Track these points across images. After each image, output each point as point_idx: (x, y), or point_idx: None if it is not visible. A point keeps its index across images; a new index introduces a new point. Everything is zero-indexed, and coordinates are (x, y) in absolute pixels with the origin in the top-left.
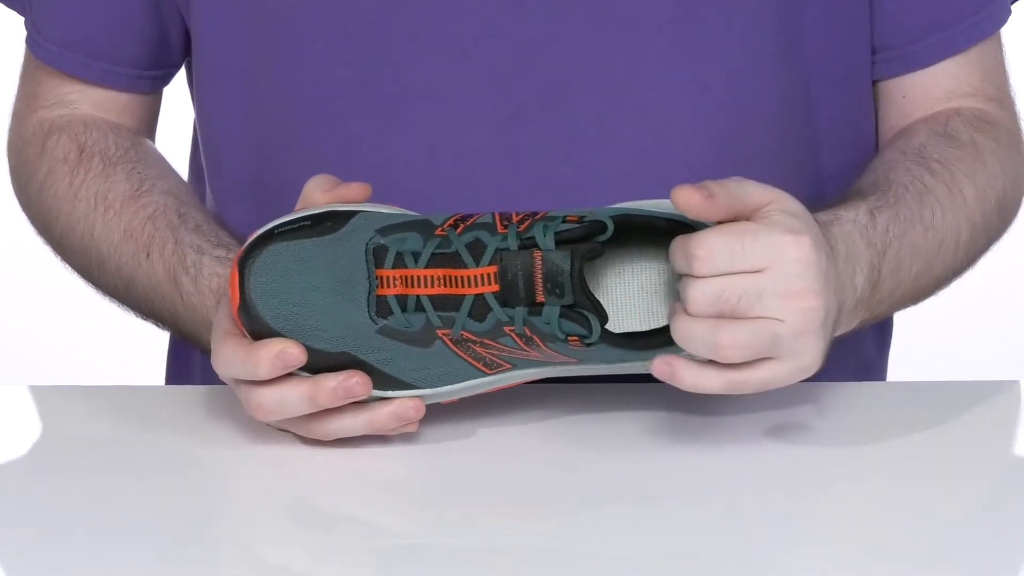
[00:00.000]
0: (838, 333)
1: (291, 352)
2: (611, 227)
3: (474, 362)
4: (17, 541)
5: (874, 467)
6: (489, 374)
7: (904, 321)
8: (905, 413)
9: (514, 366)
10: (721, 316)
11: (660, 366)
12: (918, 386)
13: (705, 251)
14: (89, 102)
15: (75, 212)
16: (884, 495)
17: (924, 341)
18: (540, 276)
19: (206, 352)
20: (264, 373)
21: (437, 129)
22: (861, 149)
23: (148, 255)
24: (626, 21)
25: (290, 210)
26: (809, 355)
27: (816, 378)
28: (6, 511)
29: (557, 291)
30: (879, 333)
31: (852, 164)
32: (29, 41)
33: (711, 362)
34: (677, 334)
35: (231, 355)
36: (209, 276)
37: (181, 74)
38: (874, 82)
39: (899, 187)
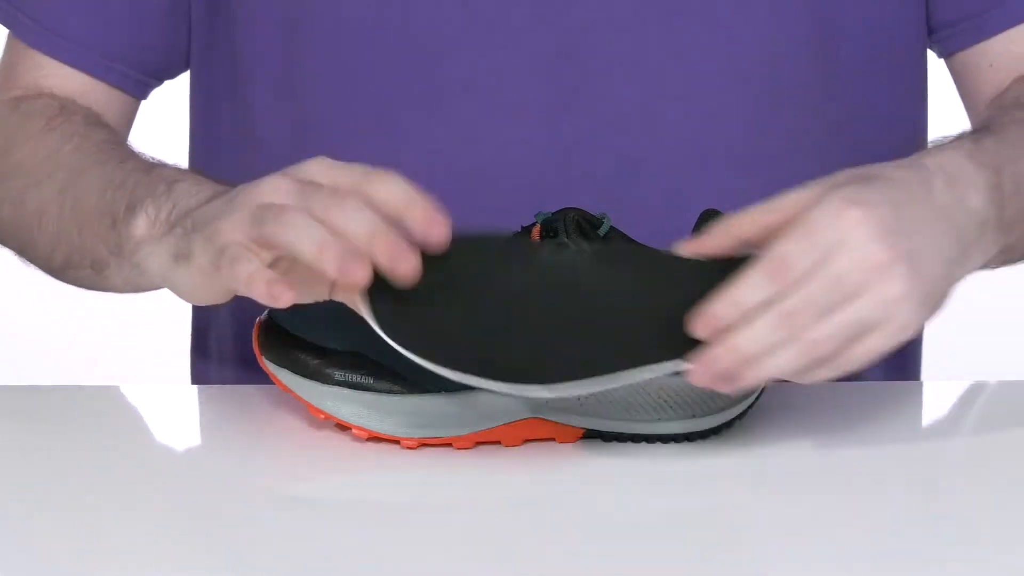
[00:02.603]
0: (973, 262)
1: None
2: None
3: None
4: (17, 539)
5: (897, 467)
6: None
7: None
8: (935, 412)
9: None
10: (809, 324)
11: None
12: (949, 385)
13: (782, 259)
14: (65, 87)
15: (40, 139)
16: (905, 496)
17: (956, 339)
18: (538, 229)
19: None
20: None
21: (480, 119)
22: (901, 132)
23: (122, 162)
24: (669, 9)
25: None
26: (903, 315)
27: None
28: (5, 511)
29: (551, 234)
30: None
31: (889, 146)
32: (22, 30)
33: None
34: (763, 367)
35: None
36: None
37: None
38: (953, 56)
39: (998, 124)
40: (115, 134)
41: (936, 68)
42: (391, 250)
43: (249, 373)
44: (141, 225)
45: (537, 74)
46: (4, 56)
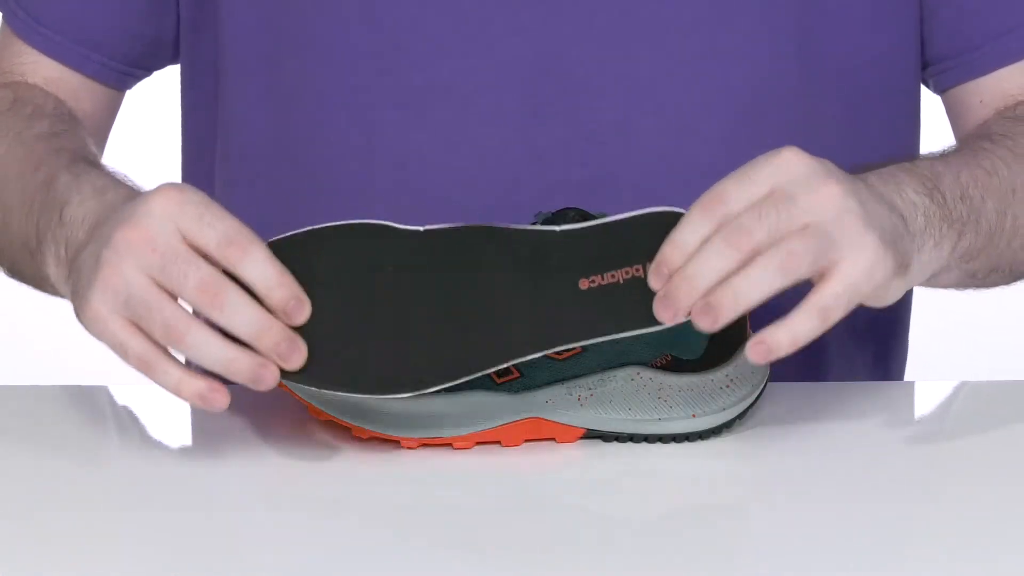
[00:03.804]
0: (929, 255)
1: (215, 398)
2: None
3: None
4: (15, 538)
5: (894, 466)
6: (497, 383)
7: (919, 320)
8: (932, 411)
9: (521, 373)
10: (763, 245)
11: (754, 349)
12: (943, 386)
13: (718, 193)
14: (40, 75)
15: None
16: (902, 495)
17: (941, 340)
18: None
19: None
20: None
21: (458, 124)
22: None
23: (36, 170)
24: (651, 24)
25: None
26: (868, 246)
27: (832, 375)
28: (2, 510)
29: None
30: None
31: None
32: (19, 27)
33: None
34: (731, 296)
35: (204, 338)
36: (96, 177)
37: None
38: (945, 92)
39: (949, 149)
40: (56, 124)
41: (929, 98)
42: (279, 348)
43: None
44: (51, 264)
45: (517, 82)
46: None
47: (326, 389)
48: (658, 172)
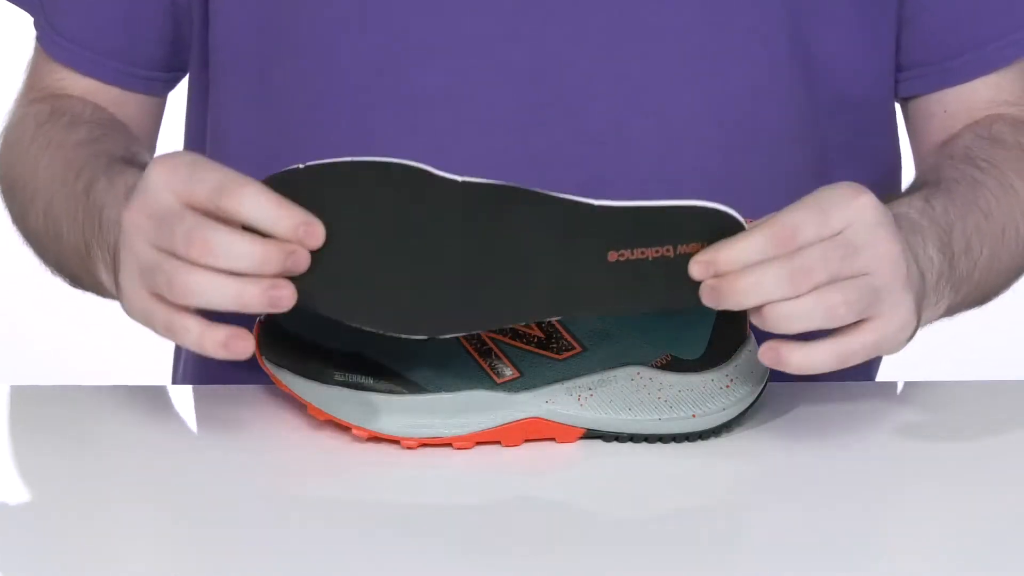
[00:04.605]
0: (929, 313)
1: (238, 345)
2: None
3: (479, 358)
4: (17, 538)
5: (893, 466)
6: (497, 383)
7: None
8: (929, 411)
9: (521, 373)
10: (821, 284)
11: (766, 352)
12: (940, 385)
13: (791, 227)
14: (79, 88)
15: (27, 151)
16: (901, 494)
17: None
18: None
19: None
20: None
21: (455, 128)
22: (876, 168)
23: (77, 177)
24: (646, 28)
25: None
26: (904, 307)
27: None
28: (5, 510)
29: None
30: None
31: (865, 182)
32: (41, 37)
33: (810, 341)
34: (779, 318)
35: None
36: (131, 175)
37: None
38: (909, 98)
39: (949, 181)
40: (95, 130)
41: None
42: (287, 264)
43: (246, 372)
44: (102, 270)
45: (513, 86)
46: (32, 57)
47: (343, 319)
48: (654, 175)
